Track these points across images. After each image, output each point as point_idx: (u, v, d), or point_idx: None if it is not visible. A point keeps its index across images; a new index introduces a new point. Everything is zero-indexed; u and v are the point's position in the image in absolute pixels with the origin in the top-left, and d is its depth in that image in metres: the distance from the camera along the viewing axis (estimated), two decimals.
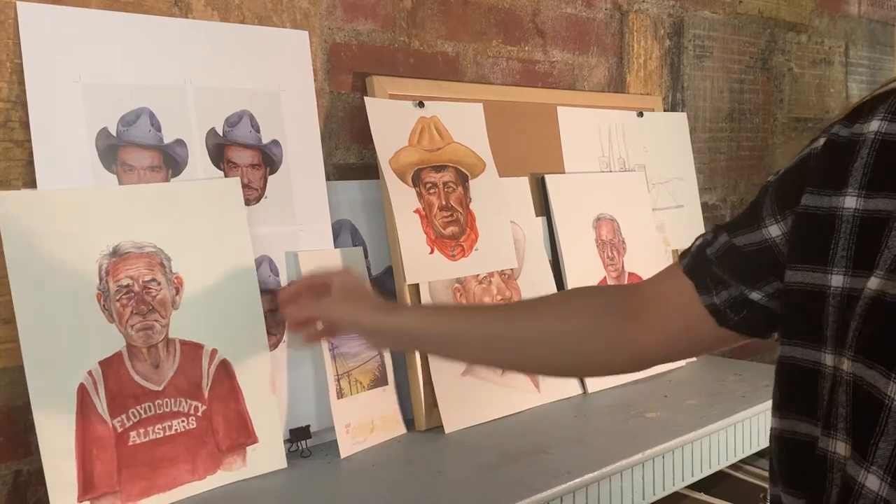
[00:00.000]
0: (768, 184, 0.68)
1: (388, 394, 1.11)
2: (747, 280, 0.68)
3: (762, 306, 0.68)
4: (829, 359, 0.58)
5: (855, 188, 0.58)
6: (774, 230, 0.64)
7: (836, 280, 0.58)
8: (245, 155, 1.04)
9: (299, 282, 0.97)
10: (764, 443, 1.25)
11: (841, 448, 0.58)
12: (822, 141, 0.63)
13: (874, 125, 0.59)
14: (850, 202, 0.58)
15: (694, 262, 0.72)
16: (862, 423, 0.55)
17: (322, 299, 0.89)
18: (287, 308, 0.93)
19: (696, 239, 0.73)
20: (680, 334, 0.74)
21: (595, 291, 0.89)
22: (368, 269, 1.15)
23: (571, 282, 1.32)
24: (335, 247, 1.11)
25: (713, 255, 0.70)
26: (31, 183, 0.88)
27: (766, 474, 1.32)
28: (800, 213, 0.62)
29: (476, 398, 1.16)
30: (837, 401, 0.58)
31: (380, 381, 1.10)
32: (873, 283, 0.55)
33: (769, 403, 1.23)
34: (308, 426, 1.04)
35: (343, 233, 1.15)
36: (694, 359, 1.48)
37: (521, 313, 0.84)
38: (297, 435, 1.03)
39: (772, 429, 0.66)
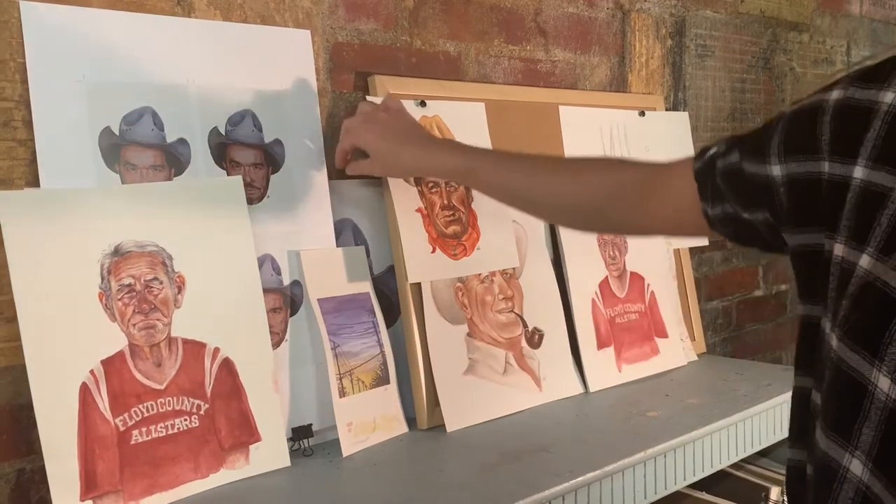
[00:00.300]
0: (781, 116, 0.68)
1: (390, 393, 1.11)
2: (744, 203, 0.70)
3: (751, 225, 0.71)
4: (826, 325, 0.59)
5: (864, 159, 0.58)
6: (776, 170, 0.65)
7: (839, 249, 0.58)
8: (247, 154, 1.04)
9: (340, 148, 1.09)
10: (765, 442, 1.25)
11: (820, 423, 0.60)
12: (835, 95, 0.61)
13: (889, 97, 0.58)
14: (859, 172, 0.58)
15: (703, 168, 0.75)
16: (844, 405, 0.56)
17: (366, 161, 1.06)
18: (344, 168, 1.10)
19: (713, 145, 0.76)
20: (674, 222, 0.84)
21: (620, 168, 0.95)
22: (371, 268, 1.15)
23: (573, 281, 1.32)
24: (337, 246, 1.12)
25: (721, 169, 0.72)
26: (34, 182, 0.89)
27: (768, 474, 1.32)
28: (812, 178, 0.62)
29: (478, 397, 1.16)
30: (822, 377, 0.59)
31: (382, 380, 1.10)
32: (865, 261, 0.56)
33: (770, 402, 1.25)
34: (310, 425, 1.05)
35: (345, 232, 1.15)
36: (695, 358, 1.48)
37: (551, 175, 0.94)
38: (300, 433, 1.03)
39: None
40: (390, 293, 1.16)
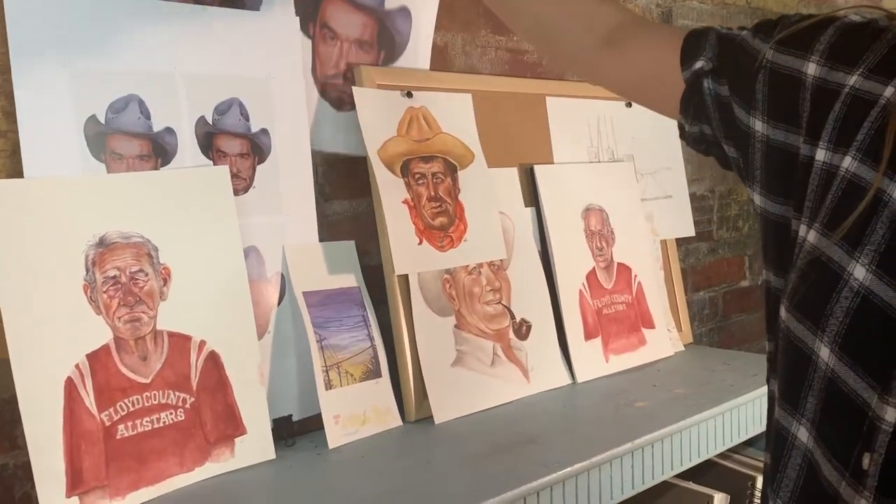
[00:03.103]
0: (762, 63, 0.64)
1: (382, 386, 1.11)
2: (723, 132, 0.68)
3: (724, 149, 0.69)
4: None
5: (824, 141, 0.59)
6: (759, 126, 0.64)
7: (802, 230, 0.59)
8: (234, 144, 1.03)
9: None
10: (753, 432, 1.26)
11: (776, 389, 0.62)
12: (812, 72, 0.61)
13: (852, 80, 0.58)
14: (820, 155, 0.59)
15: (692, 80, 0.70)
16: (791, 374, 0.58)
17: None
18: None
19: (700, 54, 0.70)
20: (639, 91, 0.80)
21: (602, 2, 0.85)
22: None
23: (560, 272, 1.32)
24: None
25: (709, 93, 0.68)
26: (15, 174, 0.87)
27: (755, 463, 1.33)
28: (789, 151, 0.62)
29: (466, 389, 1.16)
30: (777, 345, 0.61)
31: (372, 373, 1.10)
32: (812, 236, 0.57)
33: (757, 392, 1.25)
34: (290, 416, 1.04)
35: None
36: (682, 348, 1.49)
37: None
38: (280, 424, 1.03)
39: None
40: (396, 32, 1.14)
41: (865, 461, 0.52)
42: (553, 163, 1.39)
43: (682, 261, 1.70)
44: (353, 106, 1.14)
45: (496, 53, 1.37)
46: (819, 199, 0.58)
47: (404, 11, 1.21)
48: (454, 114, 1.25)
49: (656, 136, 1.57)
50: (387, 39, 1.20)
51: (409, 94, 1.20)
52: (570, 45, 0.83)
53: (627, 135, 1.51)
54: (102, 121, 0.92)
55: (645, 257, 1.47)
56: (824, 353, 0.54)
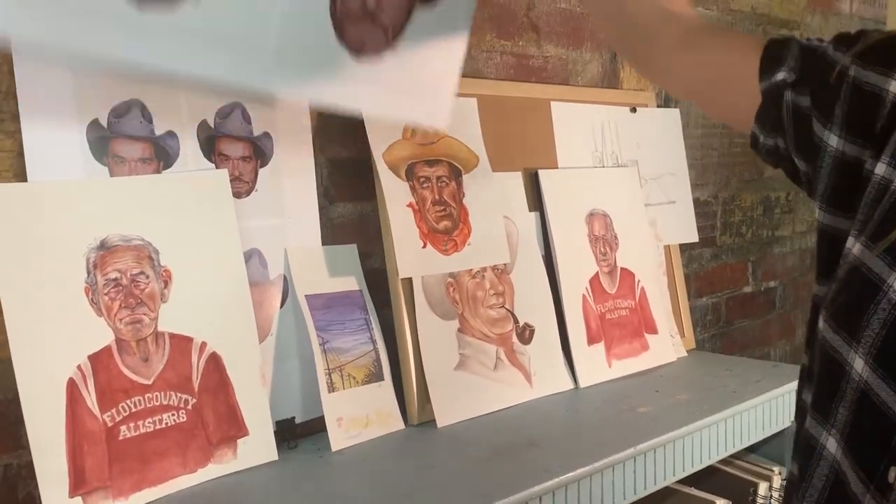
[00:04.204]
0: (845, 76, 0.64)
1: (385, 389, 1.11)
2: (798, 147, 0.67)
3: (794, 164, 0.69)
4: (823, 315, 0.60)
5: (887, 156, 0.59)
6: (833, 140, 0.63)
7: (850, 242, 0.59)
8: (236, 147, 1.03)
9: None
10: (755, 438, 1.25)
11: (808, 399, 0.62)
12: (895, 90, 0.60)
13: None
14: (880, 169, 0.59)
15: (771, 91, 0.69)
16: (825, 384, 0.58)
17: None
18: None
19: (779, 61, 0.69)
20: (709, 96, 0.79)
21: (679, 10, 0.84)
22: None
23: (564, 277, 1.32)
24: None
25: (789, 105, 0.67)
26: (21, 174, 0.88)
27: (757, 469, 1.33)
28: (858, 164, 0.61)
29: (468, 393, 1.16)
30: (814, 356, 0.61)
31: (375, 376, 1.10)
32: (856, 248, 0.57)
33: (759, 399, 1.25)
34: (293, 418, 1.04)
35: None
36: (685, 354, 1.49)
37: None
38: (283, 427, 1.03)
39: None
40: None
41: (892, 475, 0.52)
42: (557, 167, 1.39)
43: (686, 266, 1.69)
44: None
45: (501, 58, 1.38)
46: (870, 211, 0.58)
47: None
48: (459, 118, 1.25)
49: (660, 141, 1.57)
50: None
51: None
52: (648, 45, 0.82)
53: (632, 140, 1.51)
54: (104, 125, 0.93)
55: (648, 262, 1.47)
56: (858, 364, 0.54)
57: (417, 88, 0.91)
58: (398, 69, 0.88)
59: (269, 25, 0.78)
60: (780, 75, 0.68)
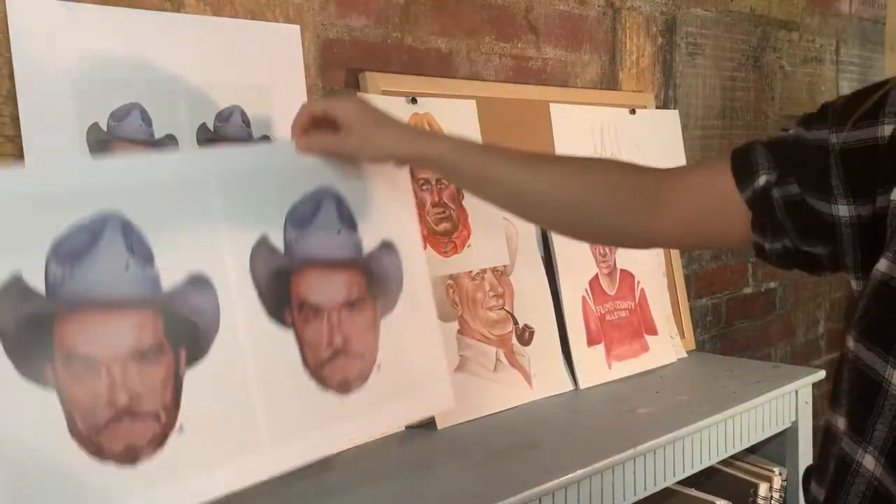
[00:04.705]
0: (828, 147, 0.64)
1: None
2: (806, 237, 0.67)
3: (809, 254, 0.68)
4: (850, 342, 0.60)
5: None
6: (843, 211, 0.63)
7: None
8: None
9: (301, 117, 0.92)
10: (755, 439, 1.26)
11: (841, 423, 0.60)
12: (889, 131, 0.61)
13: None
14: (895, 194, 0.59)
15: (757, 199, 0.69)
16: (860, 402, 0.57)
17: (335, 136, 0.89)
18: (300, 143, 0.91)
19: (756, 166, 0.69)
20: (699, 234, 0.78)
21: (627, 170, 0.84)
22: (360, 246, 1.10)
23: (563, 278, 1.33)
24: (315, 223, 0.98)
25: (781, 201, 0.67)
26: None
27: (757, 470, 1.33)
28: (877, 215, 0.61)
29: (468, 394, 1.16)
30: (843, 377, 0.60)
31: None
32: (883, 265, 0.57)
33: (760, 400, 1.25)
34: None
35: (325, 204, 0.96)
36: (685, 355, 1.49)
37: (549, 172, 0.83)
38: None
39: None
40: (385, 274, 0.99)
41: None
42: None
43: (685, 267, 1.69)
44: None
45: (500, 60, 1.38)
46: (894, 232, 0.57)
47: None
48: (458, 120, 1.26)
49: (660, 143, 1.57)
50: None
51: (414, 101, 1.20)
52: (611, 223, 0.81)
53: (631, 142, 1.51)
54: (104, 128, 0.93)
55: (648, 263, 1.47)
56: None
57: (411, 385, 0.98)
58: (386, 381, 0.95)
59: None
60: (761, 180, 0.69)
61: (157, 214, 0.80)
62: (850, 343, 0.58)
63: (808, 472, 0.67)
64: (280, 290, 0.88)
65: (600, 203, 0.80)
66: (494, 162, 0.86)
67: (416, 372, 0.99)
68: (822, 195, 0.64)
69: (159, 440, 0.78)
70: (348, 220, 0.95)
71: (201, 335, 0.82)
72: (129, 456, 0.76)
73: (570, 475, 0.94)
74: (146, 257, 0.79)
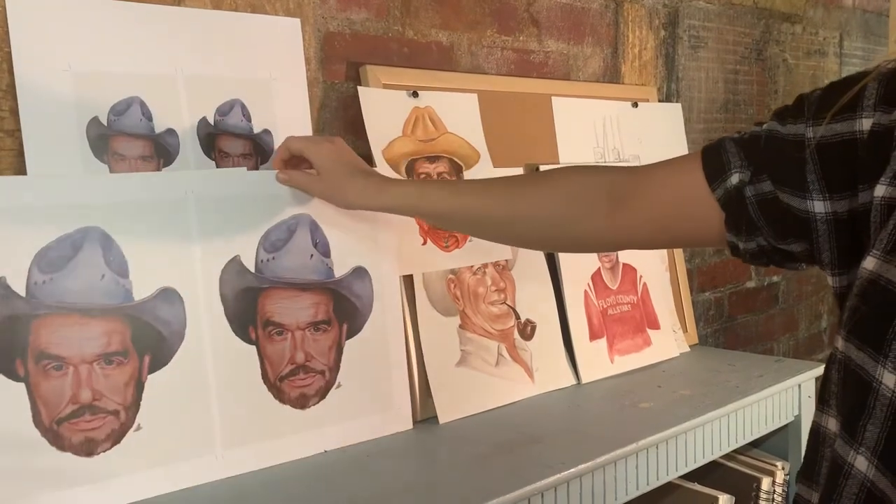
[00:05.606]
0: (804, 142, 0.64)
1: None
2: (781, 235, 0.67)
3: (785, 252, 0.68)
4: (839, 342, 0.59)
5: (887, 177, 0.58)
6: (818, 207, 0.63)
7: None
8: (236, 144, 1.03)
9: (281, 150, 1.00)
10: (758, 433, 1.25)
11: (832, 424, 0.60)
12: (868, 125, 0.60)
13: None
14: (880, 191, 0.58)
15: (730, 198, 0.69)
16: (851, 403, 0.56)
17: (309, 176, 0.98)
18: (279, 175, 0.99)
19: (729, 164, 0.68)
20: (672, 234, 0.77)
21: (588, 173, 0.85)
22: (331, 270, 1.14)
23: (565, 273, 1.32)
24: (287, 248, 1.01)
25: (754, 199, 0.67)
26: (21, 172, 0.88)
27: (760, 464, 1.33)
28: (854, 210, 0.61)
29: (470, 389, 1.16)
30: (831, 378, 0.59)
31: None
32: (869, 263, 0.56)
33: (763, 394, 1.25)
34: None
35: (300, 229, 1.01)
36: (688, 349, 1.49)
37: (503, 195, 0.86)
38: None
39: None
40: (355, 298, 1.04)
41: None
42: (559, 163, 1.39)
43: (688, 261, 1.69)
44: None
45: (502, 53, 1.37)
46: (878, 228, 0.57)
47: None
48: (460, 114, 1.25)
49: (662, 136, 1.56)
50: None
51: (415, 94, 1.20)
52: (573, 230, 0.81)
53: (633, 135, 1.51)
54: (104, 122, 0.93)
55: (650, 258, 1.47)
56: (889, 379, 0.52)
57: (370, 405, 1.05)
58: (344, 400, 1.02)
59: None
60: (734, 178, 0.68)
61: (136, 231, 0.88)
62: (840, 343, 0.57)
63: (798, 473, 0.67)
64: (246, 308, 0.96)
65: (557, 213, 0.81)
66: (451, 198, 0.90)
67: (377, 393, 1.05)
68: (796, 191, 0.64)
69: (117, 436, 0.86)
70: (322, 246, 1.02)
71: (166, 344, 0.90)
72: (87, 448, 0.84)
73: (572, 470, 0.94)
74: (121, 270, 0.87)
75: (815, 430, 0.63)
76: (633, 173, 0.79)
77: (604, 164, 0.83)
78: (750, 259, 0.71)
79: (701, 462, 1.14)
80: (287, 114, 1.08)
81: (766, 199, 0.66)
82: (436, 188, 0.95)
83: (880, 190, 0.57)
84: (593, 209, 0.79)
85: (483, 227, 0.92)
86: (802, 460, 0.65)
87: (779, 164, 0.66)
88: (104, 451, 0.85)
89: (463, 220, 0.92)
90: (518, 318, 1.25)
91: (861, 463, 0.55)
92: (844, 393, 0.57)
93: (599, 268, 1.38)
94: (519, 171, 1.32)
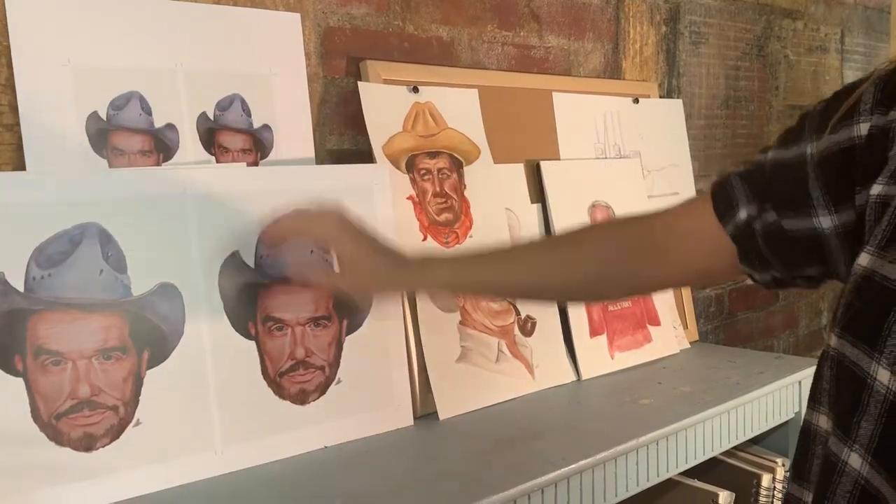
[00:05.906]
0: (804, 160, 0.64)
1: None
2: (790, 265, 0.68)
3: (801, 277, 0.69)
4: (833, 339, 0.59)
5: (883, 177, 0.58)
6: (826, 222, 0.63)
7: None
8: (236, 139, 1.03)
9: (272, 231, 0.92)
10: (757, 430, 1.25)
11: (823, 422, 0.59)
12: (865, 129, 0.60)
13: None
14: (876, 189, 0.58)
15: (740, 234, 0.70)
16: (844, 400, 0.56)
17: (331, 274, 0.96)
18: (296, 277, 0.96)
19: (736, 204, 0.70)
20: (700, 273, 0.81)
21: (615, 230, 0.86)
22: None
23: None
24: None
25: (761, 233, 0.68)
26: (20, 167, 0.87)
27: (760, 461, 1.33)
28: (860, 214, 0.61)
29: (470, 385, 1.15)
30: (823, 375, 0.59)
31: None
32: (863, 259, 0.56)
33: (763, 390, 1.25)
34: None
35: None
36: (688, 346, 1.49)
37: (546, 264, 0.84)
38: None
39: None
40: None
41: None
42: (559, 159, 1.39)
43: None
44: None
45: (503, 49, 1.37)
46: (873, 225, 0.57)
47: None
48: (460, 109, 1.25)
49: (663, 132, 1.56)
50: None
51: (416, 90, 1.20)
52: (630, 280, 0.83)
53: (634, 131, 1.51)
54: (104, 117, 0.92)
55: None
56: (883, 375, 0.52)
57: (370, 401, 1.05)
58: (344, 396, 1.02)
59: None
60: (742, 214, 0.69)
61: (134, 226, 0.88)
62: (833, 339, 0.57)
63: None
64: (246, 304, 0.96)
65: (600, 273, 0.82)
66: (491, 273, 0.86)
67: (377, 389, 1.05)
68: (801, 210, 0.64)
69: (116, 432, 0.86)
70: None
71: (165, 340, 0.89)
72: (86, 443, 0.84)
73: (572, 466, 0.94)
74: (120, 265, 0.86)
75: (806, 429, 0.62)
76: (656, 220, 0.80)
77: (626, 217, 0.85)
78: (769, 288, 0.73)
79: (701, 459, 1.14)
80: (287, 109, 1.08)
81: (771, 229, 0.67)
82: (473, 267, 0.88)
83: (876, 188, 0.57)
84: (639, 262, 0.80)
85: (529, 297, 1.04)
86: (792, 459, 0.65)
87: (782, 190, 0.66)
88: (103, 447, 0.85)
89: (506, 294, 1.03)
90: (518, 314, 1.25)
91: (855, 460, 0.54)
92: (838, 390, 0.57)
93: None
94: (520, 167, 1.32)
